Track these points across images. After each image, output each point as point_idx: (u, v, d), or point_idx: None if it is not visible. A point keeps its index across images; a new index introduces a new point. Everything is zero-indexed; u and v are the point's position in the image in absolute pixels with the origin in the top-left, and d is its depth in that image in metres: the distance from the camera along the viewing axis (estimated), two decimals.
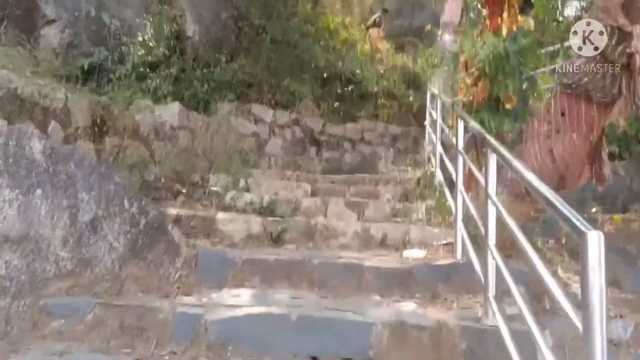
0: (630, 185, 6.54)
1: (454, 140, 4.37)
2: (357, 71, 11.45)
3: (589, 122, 4.04)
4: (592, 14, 3.75)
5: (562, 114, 4.10)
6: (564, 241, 4.78)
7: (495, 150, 2.88)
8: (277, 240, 4.70)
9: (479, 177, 3.59)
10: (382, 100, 10.49)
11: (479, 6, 5.05)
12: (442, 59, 4.71)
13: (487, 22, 4.27)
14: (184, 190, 5.59)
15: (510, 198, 4.17)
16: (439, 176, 5.68)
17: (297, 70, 10.56)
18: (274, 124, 8.52)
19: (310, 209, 5.49)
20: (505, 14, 4.13)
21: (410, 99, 10.73)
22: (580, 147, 4.14)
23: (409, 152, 9.63)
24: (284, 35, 10.64)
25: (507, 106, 4.26)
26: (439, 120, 5.81)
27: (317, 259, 3.77)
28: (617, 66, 3.74)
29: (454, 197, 5.05)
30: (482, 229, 3.25)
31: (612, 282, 4.25)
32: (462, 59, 4.58)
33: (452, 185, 5.74)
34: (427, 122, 7.18)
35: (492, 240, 2.86)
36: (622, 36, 3.61)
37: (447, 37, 6.85)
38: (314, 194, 6.22)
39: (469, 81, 4.53)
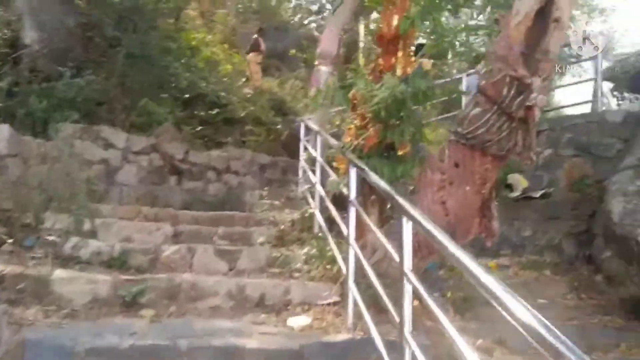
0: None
1: (343, 188, 3.93)
2: (222, 93, 10.76)
3: (482, 174, 3.83)
4: (490, 63, 3.55)
5: (456, 165, 3.85)
6: (449, 294, 4.57)
7: (410, 216, 2.44)
8: (131, 304, 3.85)
9: (381, 238, 3.16)
10: (250, 127, 9.89)
11: (372, 43, 4.73)
12: (319, 91, 4.22)
13: (381, 60, 3.92)
14: (9, 239, 4.46)
15: None
16: (319, 219, 5.20)
17: (156, 89, 9.57)
18: (128, 150, 7.48)
19: (173, 259, 4.67)
20: (400, 53, 3.80)
21: (279, 126, 10.27)
22: (472, 201, 3.92)
23: (279, 184, 9.13)
24: (142, 50, 9.62)
25: (400, 153, 3.92)
26: (319, 158, 5.36)
27: (185, 340, 3.03)
28: (514, 119, 3.58)
29: (340, 247, 4.64)
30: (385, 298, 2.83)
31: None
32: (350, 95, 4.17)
33: (333, 228, 5.35)
34: (302, 157, 6.73)
35: (408, 326, 2.41)
36: (521, 88, 3.44)
37: (324, 69, 6.50)
38: (176, 237, 5.39)
39: (357, 122, 4.13)
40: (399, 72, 3.82)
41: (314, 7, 21.96)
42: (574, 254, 5.42)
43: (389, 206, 4.31)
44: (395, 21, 3.67)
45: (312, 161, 6.44)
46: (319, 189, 5.31)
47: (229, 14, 20.05)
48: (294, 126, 9.94)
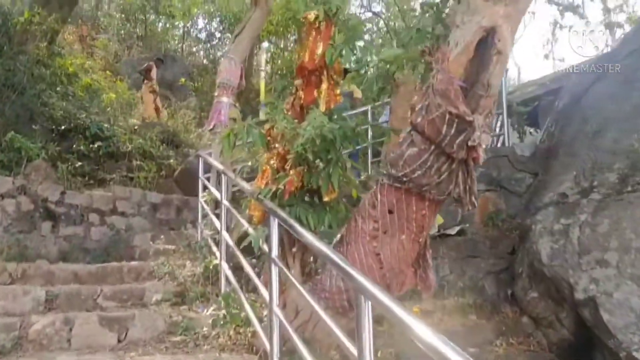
0: None
1: (264, 244, 3.30)
2: (105, 125, 9.67)
3: (419, 221, 3.39)
4: (429, 98, 3.15)
5: (390, 212, 3.38)
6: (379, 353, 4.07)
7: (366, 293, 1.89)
8: None
9: (308, 297, 2.58)
10: (138, 162, 8.89)
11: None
12: (231, 130, 3.54)
13: (301, 93, 3.38)
14: None
15: (331, 312, 3.24)
16: (227, 272, 4.49)
17: (24, 121, 8.33)
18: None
19: (46, 335, 3.73)
20: (324, 86, 3.29)
21: (171, 160, 9.37)
22: (408, 251, 3.47)
23: (174, 225, 8.23)
24: (8, 77, 8.37)
25: (326, 199, 3.38)
26: (224, 201, 4.66)
27: None
28: (455, 160, 3.20)
29: (254, 307, 3.98)
30: None
31: None
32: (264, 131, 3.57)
33: (243, 278, 4.66)
34: (202, 198, 5.98)
35: None
36: (462, 126, 3.07)
37: (225, 100, 5.87)
38: (50, 302, 4.40)
39: (274, 163, 3.54)
40: (322, 106, 3.30)
41: (202, 36, 21.20)
42: (495, 293, 5.20)
43: (311, 258, 3.75)
44: (319, 49, 3.17)
45: (214, 203, 5.73)
46: (225, 236, 4.62)
47: (111, 40, 18.77)
48: (188, 160, 9.13)
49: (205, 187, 5.98)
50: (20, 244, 6.41)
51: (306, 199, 3.44)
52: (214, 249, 5.10)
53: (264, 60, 12.71)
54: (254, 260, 5.02)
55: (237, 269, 4.54)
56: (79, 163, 8.40)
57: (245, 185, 3.68)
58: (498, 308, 5.03)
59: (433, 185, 3.23)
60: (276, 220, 3.12)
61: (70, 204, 7.10)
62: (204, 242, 5.54)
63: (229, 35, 19.65)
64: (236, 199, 5.63)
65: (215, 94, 6.01)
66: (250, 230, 3.68)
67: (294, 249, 3.60)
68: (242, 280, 4.58)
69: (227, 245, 4.61)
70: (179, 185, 8.96)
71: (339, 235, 3.56)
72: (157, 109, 11.50)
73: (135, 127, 10.04)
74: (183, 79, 16.40)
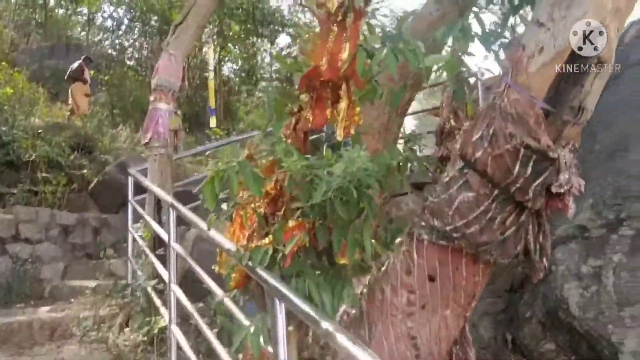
0: None
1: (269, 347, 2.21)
2: (3, 128, 7.98)
3: (469, 290, 2.48)
4: (494, 124, 2.23)
5: (431, 279, 2.44)
6: None
7: None
8: None
9: None
10: (43, 173, 7.32)
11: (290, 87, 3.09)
12: (212, 179, 2.39)
13: (307, 113, 2.34)
14: None
15: None
16: (180, 340, 3.33)
17: None
18: None
19: None
20: (343, 104, 2.28)
21: (84, 171, 7.84)
22: (452, 330, 2.56)
23: (89, 251, 6.81)
24: None
25: (343, 262, 2.37)
26: (176, 247, 3.45)
27: None
28: (526, 210, 2.32)
29: None
30: None
31: None
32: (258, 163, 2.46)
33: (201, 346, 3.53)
34: (133, 230, 4.70)
35: None
36: (542, 164, 2.19)
37: (163, 106, 4.65)
38: None
39: (259, 205, 2.46)
40: (339, 132, 2.29)
41: (108, 24, 19.12)
42: (493, 338, 4.47)
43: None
44: (345, 53, 2.14)
45: (154, 240, 4.50)
46: (176, 290, 3.46)
47: (6, 27, 16.45)
48: (106, 171, 7.69)
49: (137, 216, 4.72)
50: None
51: (313, 263, 2.40)
52: (157, 302, 3.89)
53: (211, 56, 11.15)
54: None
55: (194, 334, 3.41)
56: None
57: (223, 242, 2.57)
58: (499, 356, 4.29)
59: (495, 243, 2.32)
60: (282, 305, 2.07)
61: None
62: (140, 289, 4.28)
63: (137, 24, 17.89)
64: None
65: (151, 98, 4.74)
66: (230, 305, 2.58)
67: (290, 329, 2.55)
68: (199, 344, 3.47)
69: (178, 301, 3.46)
70: (96, 201, 7.52)
71: (351, 311, 2.56)
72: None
73: (39, 131, 8.38)
74: (91, 72, 14.53)
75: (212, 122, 5.29)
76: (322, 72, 2.22)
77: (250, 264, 2.28)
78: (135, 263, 4.72)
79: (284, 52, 15.69)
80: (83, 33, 20.42)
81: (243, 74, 16.82)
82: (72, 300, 5.40)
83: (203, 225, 2.75)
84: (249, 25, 14.71)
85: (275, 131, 2.38)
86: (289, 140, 2.37)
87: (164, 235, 3.70)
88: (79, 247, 6.73)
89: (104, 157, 8.64)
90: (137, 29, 18.16)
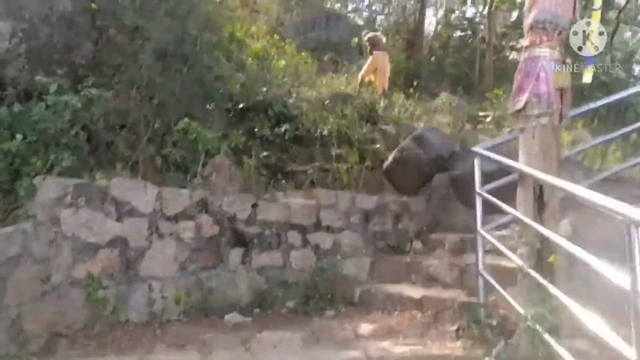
0: None
1: None
2: (290, 100, 7.40)
3: None
4: None
5: None
6: None
7: None
8: None
9: None
10: (336, 149, 6.46)
11: None
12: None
13: None
14: None
15: None
16: None
17: (198, 101, 6.28)
18: (159, 214, 4.21)
19: None
20: None
21: (377, 145, 6.82)
22: None
23: (389, 241, 5.73)
24: (177, 45, 6.33)
25: None
26: None
27: None
28: None
29: None
30: None
31: None
32: None
33: None
34: (483, 230, 3.28)
35: None
36: None
37: (546, 52, 3.06)
38: None
39: None
40: None
41: None
42: None
43: None
44: None
45: (538, 255, 2.96)
46: None
47: (273, 2, 16.80)
48: (404, 146, 6.50)
49: (485, 209, 3.26)
50: (204, 287, 4.31)
51: None
52: None
53: None
54: None
55: None
56: (264, 153, 6.20)
57: None
58: None
59: None
60: None
61: (264, 222, 4.87)
62: (529, 333, 2.81)
63: None
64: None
65: (525, 43, 3.17)
66: None
67: None
68: None
69: None
70: (391, 181, 6.40)
71: None
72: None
73: (326, 102, 7.64)
74: (356, 39, 13.79)
75: (587, 75, 3.58)
76: None
77: None
78: (484, 276, 3.28)
79: None
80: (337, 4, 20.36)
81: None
82: (391, 311, 4.31)
83: None
84: None
85: None
86: None
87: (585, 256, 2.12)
88: (379, 236, 5.68)
89: (387, 128, 7.53)
90: None
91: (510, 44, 14.66)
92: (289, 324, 4.10)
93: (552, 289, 2.46)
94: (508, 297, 2.95)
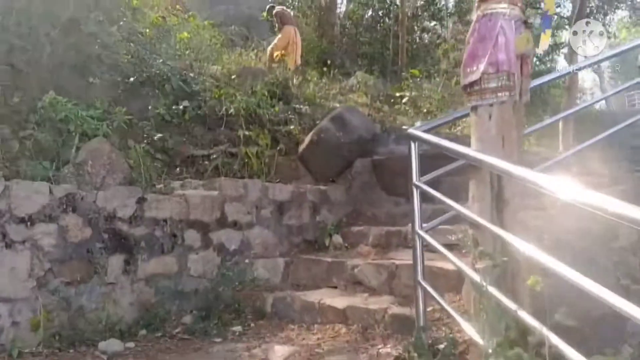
0: None
1: None
2: (191, 74, 6.40)
3: None
4: None
5: None
6: None
7: None
8: None
9: None
10: (244, 130, 5.58)
11: None
12: None
13: None
14: None
15: None
16: None
17: (74, 72, 5.14)
18: (7, 215, 3.14)
19: None
20: None
21: (291, 126, 6.02)
22: None
23: (307, 236, 4.99)
24: (48, 7, 5.14)
25: None
26: None
27: None
28: None
29: None
30: None
31: None
32: None
33: None
34: (428, 236, 2.60)
35: None
36: None
37: (506, 10, 2.36)
38: None
39: None
40: None
41: None
42: None
43: None
44: None
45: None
46: None
47: None
48: (321, 127, 5.75)
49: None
50: (71, 307, 3.32)
51: None
52: None
53: None
54: None
55: None
56: (158, 135, 5.21)
57: None
58: None
59: None
60: None
61: (153, 220, 3.92)
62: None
63: None
64: None
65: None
66: None
67: None
68: None
69: None
70: (308, 167, 5.65)
71: None
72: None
73: (233, 77, 6.71)
74: (265, 13, 12.77)
75: (544, 41, 3.03)
76: None
77: None
78: (424, 286, 2.60)
79: None
80: None
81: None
82: (310, 324, 3.58)
83: None
84: None
85: None
86: None
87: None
88: (296, 231, 4.93)
89: (302, 108, 6.73)
90: None
91: (423, 25, 14.36)
92: (183, 352, 3.23)
93: (530, 320, 1.81)
94: (465, 324, 2.28)
